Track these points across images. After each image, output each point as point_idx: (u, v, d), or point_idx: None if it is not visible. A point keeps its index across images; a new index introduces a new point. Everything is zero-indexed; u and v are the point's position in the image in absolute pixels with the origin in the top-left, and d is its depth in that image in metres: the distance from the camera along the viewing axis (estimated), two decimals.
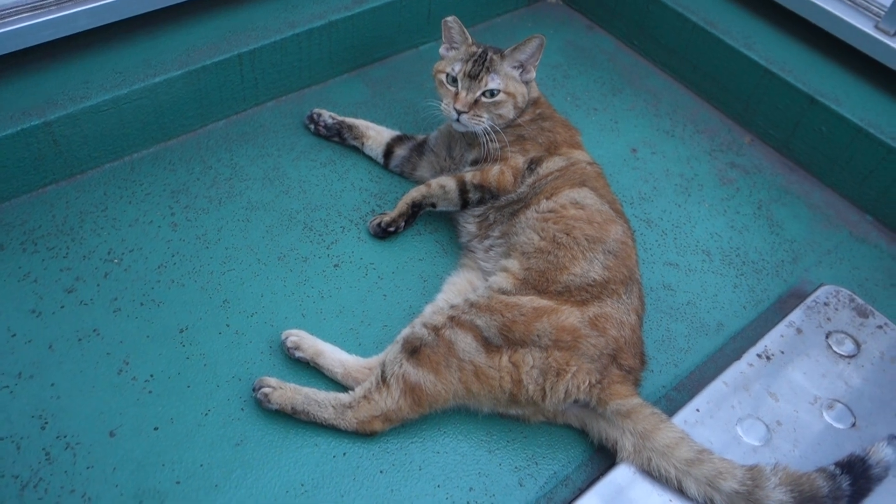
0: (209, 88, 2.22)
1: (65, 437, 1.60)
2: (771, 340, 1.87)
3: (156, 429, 1.64)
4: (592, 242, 1.78)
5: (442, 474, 1.63)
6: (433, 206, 2.03)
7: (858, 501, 1.53)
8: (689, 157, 2.44)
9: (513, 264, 1.81)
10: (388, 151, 2.23)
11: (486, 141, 1.97)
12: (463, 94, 1.96)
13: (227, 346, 1.79)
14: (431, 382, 1.62)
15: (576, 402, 1.63)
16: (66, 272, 1.88)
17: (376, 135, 2.25)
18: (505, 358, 1.63)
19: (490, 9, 2.84)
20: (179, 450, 1.61)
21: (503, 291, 1.73)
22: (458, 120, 1.97)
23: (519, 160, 1.98)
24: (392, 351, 1.68)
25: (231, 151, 2.23)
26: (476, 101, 1.96)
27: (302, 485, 1.58)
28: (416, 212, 2.05)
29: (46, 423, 1.62)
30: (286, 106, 2.40)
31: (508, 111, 2.00)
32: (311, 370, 1.76)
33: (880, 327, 1.93)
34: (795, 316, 1.93)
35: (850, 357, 1.86)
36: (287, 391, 1.66)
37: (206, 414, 1.67)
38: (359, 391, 1.66)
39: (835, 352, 1.87)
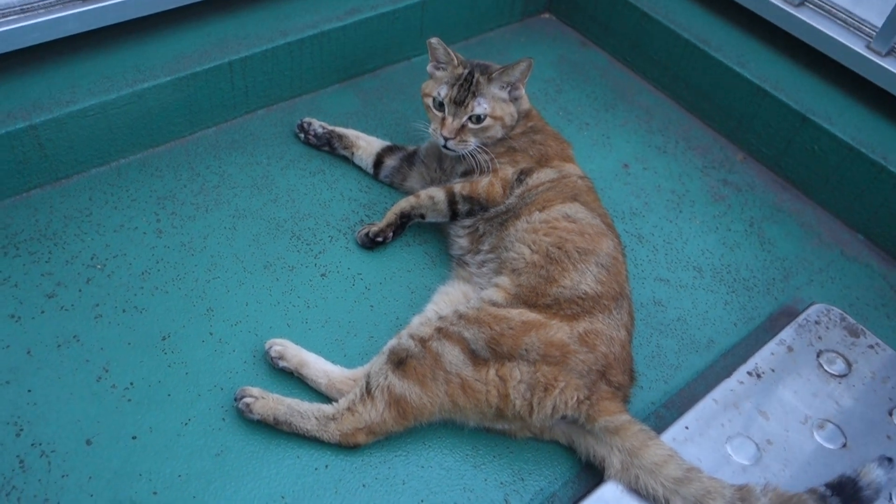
0: (199, 95, 2.19)
1: (40, 444, 1.56)
2: (761, 358, 1.85)
3: (134, 438, 1.60)
4: (584, 255, 1.76)
5: (426, 489, 1.60)
6: (422, 217, 2.01)
7: None
8: (680, 173, 2.43)
9: (504, 281, 1.78)
10: (378, 162, 2.21)
11: (476, 155, 1.95)
12: (449, 119, 1.94)
13: (210, 354, 1.76)
14: (417, 395, 1.59)
15: (563, 417, 1.60)
16: (47, 277, 1.85)
17: (366, 145, 2.23)
18: (492, 371, 1.60)
19: (483, 23, 2.83)
20: (158, 460, 1.57)
21: (494, 304, 1.71)
22: (445, 146, 1.96)
23: (508, 171, 1.96)
24: (377, 362, 1.66)
25: (220, 159, 2.21)
26: (462, 127, 1.94)
27: (282, 497, 1.54)
28: (404, 222, 2.03)
29: (22, 429, 1.58)
30: (277, 115, 2.38)
31: (497, 132, 1.98)
32: (294, 381, 1.73)
33: (871, 347, 1.91)
34: (786, 334, 1.91)
35: (842, 377, 1.84)
36: (269, 401, 1.63)
37: (187, 423, 1.64)
38: (343, 403, 1.63)
39: (826, 371, 1.85)
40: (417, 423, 1.63)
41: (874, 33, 2.29)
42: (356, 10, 2.43)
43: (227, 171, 2.18)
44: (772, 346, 1.88)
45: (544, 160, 2.01)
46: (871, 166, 2.21)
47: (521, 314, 1.66)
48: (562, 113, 2.57)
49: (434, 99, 1.97)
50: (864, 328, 1.95)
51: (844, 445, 1.71)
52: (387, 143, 2.24)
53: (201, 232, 2.01)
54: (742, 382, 1.80)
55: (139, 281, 1.88)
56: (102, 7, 2.03)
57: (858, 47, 2.31)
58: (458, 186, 1.97)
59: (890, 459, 1.58)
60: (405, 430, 1.63)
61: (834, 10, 2.40)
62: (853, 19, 2.37)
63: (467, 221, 1.98)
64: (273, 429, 1.63)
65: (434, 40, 2.00)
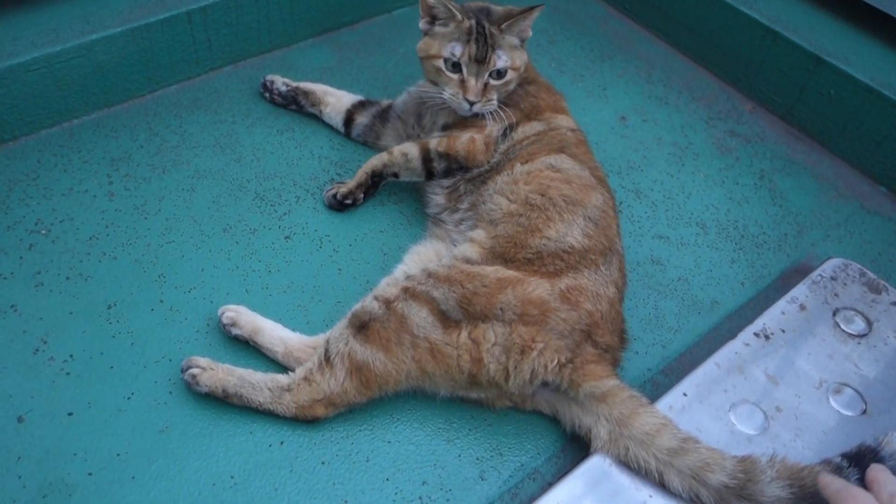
0: (156, 49, 2.03)
1: None
2: (770, 318, 1.66)
3: (70, 414, 1.45)
4: (571, 204, 1.58)
5: (392, 466, 1.43)
6: (395, 175, 1.84)
7: None
8: (683, 125, 2.23)
9: (479, 234, 1.61)
10: (349, 119, 2.03)
11: (500, 112, 1.77)
12: (472, 81, 1.73)
13: (160, 323, 1.60)
14: (381, 361, 1.43)
15: (544, 383, 1.43)
16: None
17: (335, 101, 2.05)
18: (464, 334, 1.43)
19: None
20: (95, 438, 1.42)
21: (467, 261, 1.54)
22: (470, 110, 1.76)
23: (494, 127, 1.78)
24: (338, 327, 1.49)
25: (181, 118, 2.05)
26: (486, 86, 1.75)
27: (232, 477, 1.39)
28: (376, 182, 1.86)
29: None
30: (245, 71, 2.21)
31: (513, 84, 1.81)
32: (252, 351, 1.57)
33: (895, 304, 1.71)
34: (799, 291, 1.72)
35: (861, 336, 1.65)
36: (218, 372, 1.47)
37: (129, 398, 1.48)
38: (299, 372, 1.46)
39: (843, 330, 1.66)
40: (382, 394, 1.47)
41: None
42: None
43: (188, 130, 2.02)
44: (782, 304, 1.69)
45: (535, 112, 1.83)
46: (894, 109, 2.00)
47: (496, 271, 1.49)
48: (554, 64, 2.38)
49: (447, 60, 1.76)
50: (886, 284, 1.75)
51: (864, 412, 1.52)
52: (358, 97, 2.06)
53: (157, 194, 1.85)
54: (748, 344, 1.61)
55: (86, 247, 1.72)
56: None
57: None
58: (435, 142, 1.79)
59: None
60: (369, 402, 1.47)
61: None
62: None
63: (447, 181, 1.80)
64: (223, 402, 1.47)
65: None
